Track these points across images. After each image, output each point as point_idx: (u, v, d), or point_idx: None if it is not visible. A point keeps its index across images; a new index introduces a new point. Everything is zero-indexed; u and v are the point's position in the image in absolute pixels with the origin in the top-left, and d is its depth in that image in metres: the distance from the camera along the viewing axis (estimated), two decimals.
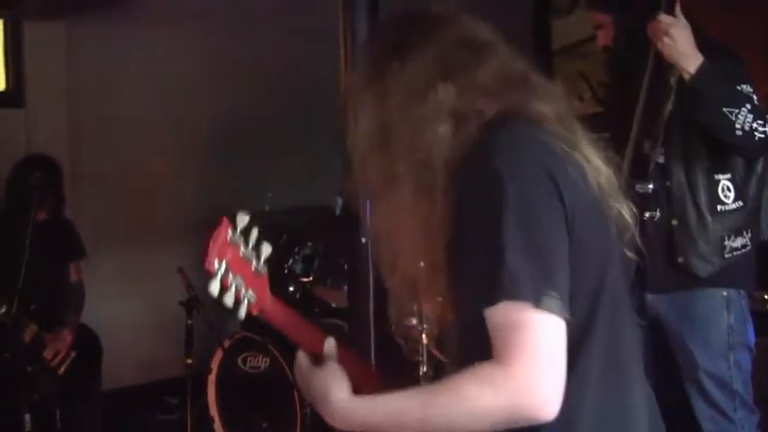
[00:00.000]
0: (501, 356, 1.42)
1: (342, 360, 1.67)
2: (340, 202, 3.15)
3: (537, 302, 1.42)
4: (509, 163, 1.49)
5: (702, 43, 2.88)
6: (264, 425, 4.62)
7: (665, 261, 3.02)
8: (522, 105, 1.59)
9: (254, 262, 1.68)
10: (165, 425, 5.14)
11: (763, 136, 2.85)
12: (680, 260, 3.00)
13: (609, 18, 3.14)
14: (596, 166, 1.62)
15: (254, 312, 1.69)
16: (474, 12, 1.70)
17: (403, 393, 1.51)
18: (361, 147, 1.66)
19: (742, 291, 3.07)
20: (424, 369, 4.21)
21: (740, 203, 3.03)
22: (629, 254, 1.70)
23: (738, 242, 3.03)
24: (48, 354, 4.33)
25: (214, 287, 1.61)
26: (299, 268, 5.01)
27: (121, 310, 5.34)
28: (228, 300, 1.64)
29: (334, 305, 5.01)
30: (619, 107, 3.22)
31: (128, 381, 5.30)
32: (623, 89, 3.19)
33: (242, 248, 1.65)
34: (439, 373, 4.38)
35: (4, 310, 4.04)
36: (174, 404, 5.10)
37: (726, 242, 3.00)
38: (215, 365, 4.75)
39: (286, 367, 4.54)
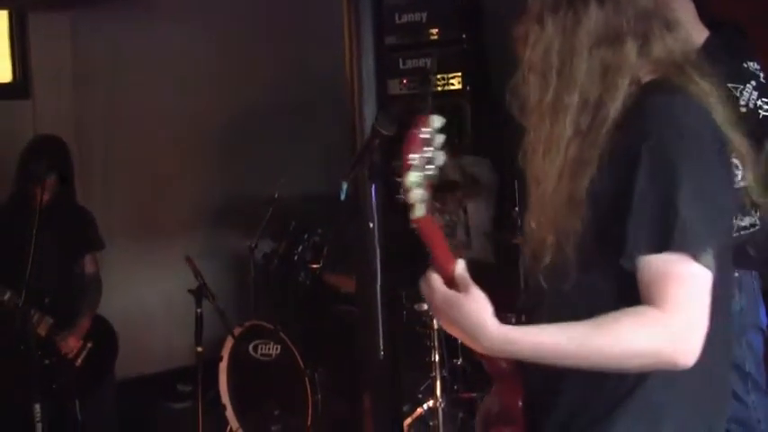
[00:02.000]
0: (660, 302, 1.53)
1: None
2: (345, 187, 3.14)
3: (697, 257, 1.54)
4: (690, 124, 1.61)
5: (707, 18, 2.83)
6: (276, 412, 4.63)
7: None
8: (689, 79, 1.69)
9: (432, 166, 1.70)
10: (178, 413, 5.15)
11: None
12: None
13: None
14: (743, 144, 1.74)
15: (425, 214, 1.69)
16: None
17: (558, 326, 1.58)
18: (536, 66, 1.72)
19: (754, 272, 3.03)
20: (436, 355, 4.21)
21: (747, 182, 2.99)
22: None
23: (746, 221, 2.99)
24: (63, 348, 4.33)
25: (413, 179, 1.65)
26: (308, 255, 5.01)
27: (132, 300, 5.34)
28: (417, 195, 1.66)
29: (343, 291, 5.01)
30: None
31: (139, 370, 5.31)
32: None
33: (429, 149, 1.69)
34: (461, 359, 4.39)
35: (7, 296, 4.03)
36: (186, 392, 5.11)
37: (733, 221, 2.96)
38: (226, 353, 4.77)
39: (297, 354, 4.55)
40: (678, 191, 1.54)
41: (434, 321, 4.14)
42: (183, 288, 4.35)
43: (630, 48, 1.67)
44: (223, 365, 4.79)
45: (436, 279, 1.67)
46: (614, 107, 1.65)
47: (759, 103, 2.78)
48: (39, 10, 5.21)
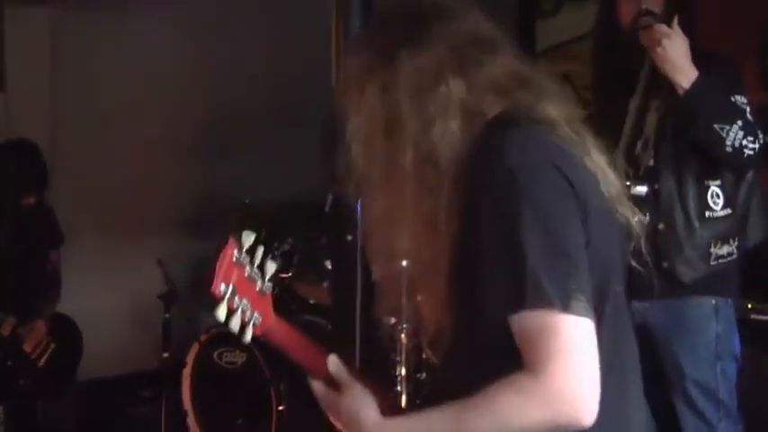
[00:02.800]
0: (533, 365, 1.39)
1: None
2: (330, 198, 3.12)
3: (565, 307, 1.39)
4: (524, 164, 1.45)
5: (698, 51, 2.85)
6: (239, 421, 4.58)
7: (651, 266, 2.98)
8: (530, 106, 1.56)
9: (259, 282, 1.64)
10: (139, 418, 5.10)
11: (752, 153, 2.82)
12: (665, 265, 2.97)
13: None
14: (605, 171, 1.60)
15: (258, 334, 1.64)
16: None
17: (435, 410, 1.48)
18: (361, 134, 1.61)
19: (729, 300, 3.05)
20: (402, 370, 4.19)
21: (729, 211, 3.00)
22: (633, 263, 1.69)
23: (725, 250, 3.01)
24: (27, 346, 4.26)
25: (221, 312, 1.56)
26: (278, 264, 4.96)
27: (99, 302, 5.28)
28: (235, 324, 1.59)
29: (312, 302, 4.98)
30: (603, 108, 3.20)
31: (103, 372, 5.24)
32: (608, 88, 3.17)
33: (247, 268, 1.61)
34: (426, 373, 4.38)
35: None
36: (148, 397, 5.05)
37: (712, 249, 2.98)
38: (191, 359, 4.70)
39: (263, 363, 4.51)
40: (522, 242, 1.40)
41: (402, 335, 4.12)
42: (152, 291, 4.31)
43: (454, 85, 1.54)
44: (187, 372, 4.72)
45: (319, 386, 1.67)
46: (449, 155, 1.52)
47: (744, 142, 2.80)
48: (16, 3, 5.14)
